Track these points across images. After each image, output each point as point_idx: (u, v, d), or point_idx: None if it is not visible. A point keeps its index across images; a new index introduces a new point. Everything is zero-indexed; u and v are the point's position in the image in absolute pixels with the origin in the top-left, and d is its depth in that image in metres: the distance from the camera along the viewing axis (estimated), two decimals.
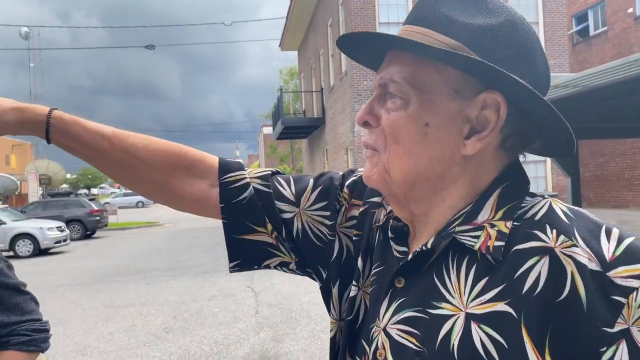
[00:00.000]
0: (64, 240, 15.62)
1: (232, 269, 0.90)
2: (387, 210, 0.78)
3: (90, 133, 0.82)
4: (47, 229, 15.01)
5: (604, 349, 0.53)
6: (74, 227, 18.90)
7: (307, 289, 7.74)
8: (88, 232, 19.48)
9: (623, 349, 0.53)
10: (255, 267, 0.89)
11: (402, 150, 0.65)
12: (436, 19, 0.65)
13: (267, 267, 0.89)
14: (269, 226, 0.85)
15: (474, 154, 0.64)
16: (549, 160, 15.22)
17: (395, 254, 0.72)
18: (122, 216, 27.23)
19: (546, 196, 0.65)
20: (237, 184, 0.86)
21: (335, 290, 0.81)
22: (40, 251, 14.70)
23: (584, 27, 20.67)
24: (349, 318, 0.76)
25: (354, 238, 0.82)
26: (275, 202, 0.85)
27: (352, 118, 15.24)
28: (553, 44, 15.92)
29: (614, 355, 0.53)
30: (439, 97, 0.64)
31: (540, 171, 16.14)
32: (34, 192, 26.08)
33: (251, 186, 0.86)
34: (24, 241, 14.59)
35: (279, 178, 0.89)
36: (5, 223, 14.82)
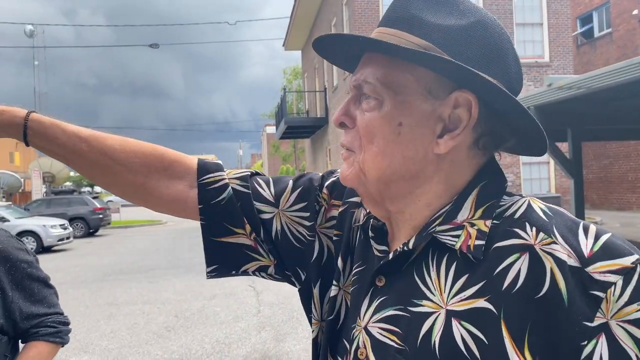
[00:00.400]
0: (67, 238, 15.66)
1: (210, 274, 0.88)
2: (367, 210, 0.78)
3: (68, 135, 0.83)
4: (50, 227, 15.06)
5: (585, 342, 0.54)
6: (77, 224, 18.96)
7: None
8: (91, 230, 19.53)
9: (602, 343, 0.53)
10: (233, 272, 0.88)
11: (376, 149, 0.66)
12: (408, 21, 0.66)
13: (246, 272, 0.88)
14: (248, 227, 0.84)
15: (448, 153, 0.65)
16: (552, 161, 15.20)
17: (376, 252, 0.73)
18: (125, 214, 27.29)
19: (524, 195, 0.66)
20: (216, 185, 0.85)
21: (316, 291, 0.81)
22: (43, 249, 14.74)
23: (589, 28, 20.62)
24: (330, 318, 0.76)
25: (334, 238, 0.82)
26: (254, 202, 0.85)
27: None
28: (557, 45, 15.89)
29: (594, 348, 0.53)
30: (412, 97, 0.65)
31: (544, 172, 16.11)
32: (38, 190, 26.16)
33: (230, 187, 0.86)
34: (27, 239, 14.62)
35: (258, 179, 0.89)
36: (8, 220, 14.87)
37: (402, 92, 0.65)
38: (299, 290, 0.86)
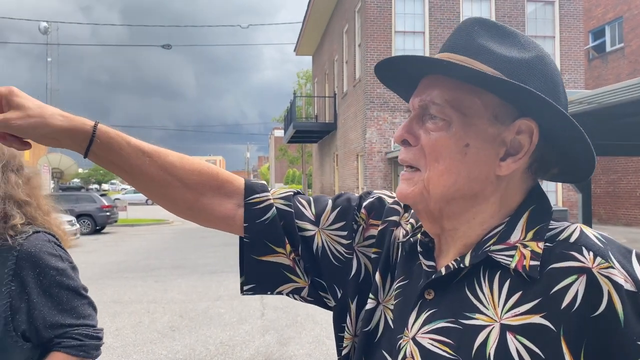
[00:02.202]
0: (74, 235, 15.74)
1: (246, 292, 0.91)
2: (408, 228, 0.82)
3: (133, 148, 0.83)
4: None
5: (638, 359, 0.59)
6: (84, 221, 19.05)
7: None
8: (98, 227, 19.62)
9: None
10: (269, 292, 0.91)
11: (442, 168, 0.69)
12: (476, 49, 0.70)
13: (280, 293, 0.91)
14: (288, 247, 0.88)
15: (506, 175, 0.70)
16: None
17: (424, 267, 0.76)
18: (132, 213, 27.40)
19: (572, 222, 0.70)
20: (261, 205, 0.89)
21: (353, 306, 0.84)
22: None
23: (601, 43, 20.57)
24: (366, 329, 0.79)
25: (373, 256, 0.85)
26: (296, 221, 0.89)
27: (364, 125, 15.28)
28: (568, 59, 15.88)
29: None
30: (479, 120, 0.69)
31: (551, 185, 16.06)
32: (46, 186, 26.26)
33: (274, 207, 0.89)
34: None
35: (300, 198, 0.92)
36: None
37: (470, 114, 0.69)
38: (333, 309, 0.88)
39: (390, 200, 0.89)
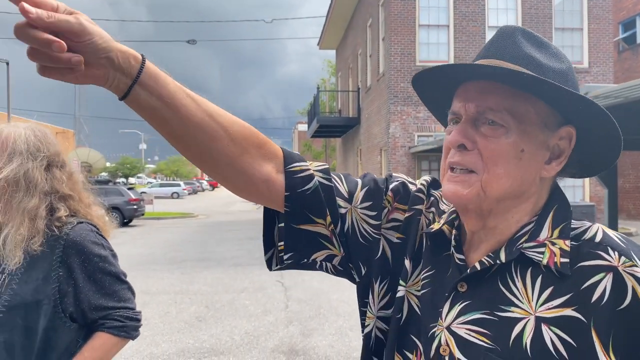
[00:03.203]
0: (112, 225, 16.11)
1: (286, 261, 0.89)
2: (430, 217, 0.88)
3: (178, 87, 0.76)
4: None
5: None
6: (112, 214, 19.30)
7: (336, 286, 7.86)
8: (125, 220, 20.02)
9: None
10: (304, 260, 0.90)
11: (501, 171, 0.74)
12: (525, 59, 0.75)
13: (314, 262, 0.90)
14: (328, 218, 0.87)
15: (548, 177, 0.77)
16: None
17: (456, 260, 0.81)
18: (158, 206, 27.90)
19: (588, 221, 0.77)
20: (302, 174, 0.87)
21: (376, 286, 0.88)
22: None
23: (631, 34, 20.07)
24: (398, 316, 0.84)
25: (395, 240, 0.89)
26: (336, 197, 0.89)
27: (388, 119, 15.26)
28: (597, 51, 15.56)
29: None
30: (532, 127, 0.75)
31: (578, 180, 15.82)
32: None
33: (315, 178, 0.88)
34: None
35: (334, 175, 0.92)
36: None
37: (525, 122, 0.75)
38: (357, 283, 0.92)
39: (413, 188, 0.91)
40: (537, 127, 0.75)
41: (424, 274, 0.84)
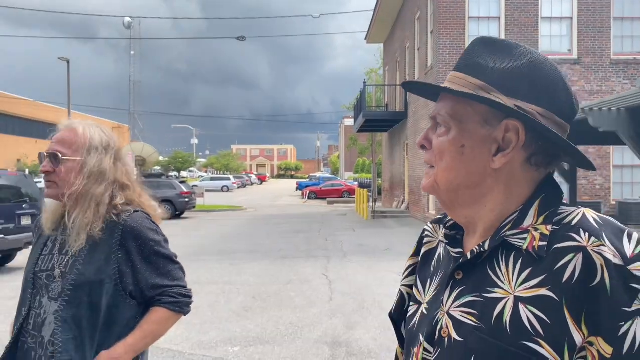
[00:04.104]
0: (163, 214, 16.74)
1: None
2: (436, 233, 1.00)
3: None
4: None
5: (623, 323, 0.71)
6: (164, 207, 19.87)
7: (381, 281, 7.91)
8: (177, 213, 20.67)
9: (638, 323, 0.71)
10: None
11: (445, 165, 0.85)
12: (472, 66, 0.85)
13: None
14: None
15: (503, 168, 0.83)
16: None
17: (452, 254, 0.90)
18: (209, 199, 28.63)
19: (580, 207, 0.82)
20: None
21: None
22: None
23: None
24: (409, 327, 0.95)
25: (410, 283, 1.04)
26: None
27: None
28: None
29: (630, 327, 0.71)
30: (472, 125, 0.84)
31: (637, 176, 15.15)
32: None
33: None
34: None
35: None
36: None
37: (465, 121, 0.84)
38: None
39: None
40: (477, 124, 0.83)
41: (435, 280, 0.94)
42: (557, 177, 12.67)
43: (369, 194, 21.41)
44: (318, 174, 61.14)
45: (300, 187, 43.37)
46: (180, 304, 1.64)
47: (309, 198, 35.10)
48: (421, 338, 0.88)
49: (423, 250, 1.02)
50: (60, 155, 1.59)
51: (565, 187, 8.08)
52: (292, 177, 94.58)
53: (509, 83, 0.81)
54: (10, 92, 42.43)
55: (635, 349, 0.70)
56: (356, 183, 35.66)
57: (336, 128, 75.46)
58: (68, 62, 25.20)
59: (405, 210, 20.69)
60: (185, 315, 1.67)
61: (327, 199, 32.86)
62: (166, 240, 1.68)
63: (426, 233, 1.04)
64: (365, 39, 27.67)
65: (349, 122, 46.54)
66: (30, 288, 1.60)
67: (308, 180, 51.50)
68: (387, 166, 26.68)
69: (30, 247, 1.75)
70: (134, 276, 1.57)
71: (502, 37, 14.88)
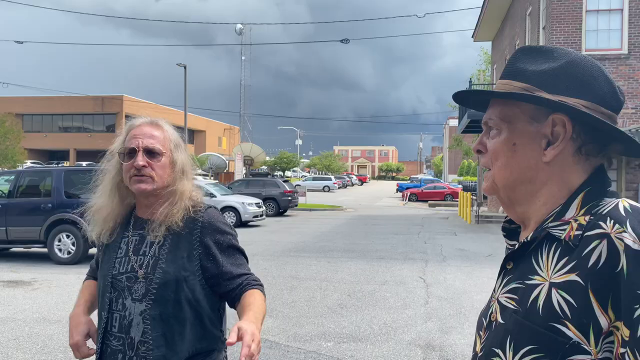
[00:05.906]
0: (260, 216, 17.63)
1: None
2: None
3: None
4: (247, 204, 17.12)
5: (637, 306, 0.73)
6: (269, 204, 21.05)
7: (481, 287, 7.65)
8: (280, 210, 21.52)
9: None
10: None
11: (500, 164, 0.92)
12: (514, 72, 0.93)
13: None
14: None
15: (554, 160, 0.88)
16: None
17: (508, 246, 0.98)
18: (310, 198, 29.32)
19: (620, 197, 0.85)
20: None
21: None
22: (241, 223, 16.79)
23: None
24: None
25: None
26: None
27: None
28: None
29: None
30: (521, 124, 0.90)
31: None
32: (239, 171, 29.58)
33: None
34: (228, 213, 16.81)
35: None
36: (215, 196, 17.20)
37: (514, 121, 0.91)
38: None
39: None
40: (525, 122, 0.89)
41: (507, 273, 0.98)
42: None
43: (473, 197, 20.70)
44: (419, 176, 60.27)
45: (400, 188, 43.00)
46: (263, 288, 1.71)
47: (409, 200, 34.67)
48: (484, 322, 0.96)
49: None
50: (160, 150, 1.62)
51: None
52: (392, 178, 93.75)
53: (550, 82, 0.87)
54: (136, 96, 46.47)
55: None
56: (460, 186, 34.59)
57: (440, 129, 73.69)
58: (185, 67, 27.12)
59: None
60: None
61: (429, 202, 32.23)
62: (235, 237, 1.74)
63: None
64: (472, 37, 26.75)
65: (454, 122, 45.22)
66: (109, 292, 1.62)
67: (409, 182, 50.98)
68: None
69: (97, 251, 1.78)
70: (215, 270, 1.63)
71: (625, 30, 13.69)
